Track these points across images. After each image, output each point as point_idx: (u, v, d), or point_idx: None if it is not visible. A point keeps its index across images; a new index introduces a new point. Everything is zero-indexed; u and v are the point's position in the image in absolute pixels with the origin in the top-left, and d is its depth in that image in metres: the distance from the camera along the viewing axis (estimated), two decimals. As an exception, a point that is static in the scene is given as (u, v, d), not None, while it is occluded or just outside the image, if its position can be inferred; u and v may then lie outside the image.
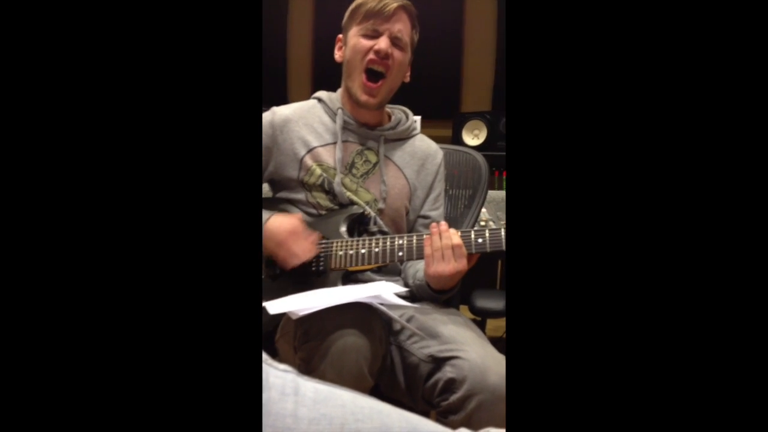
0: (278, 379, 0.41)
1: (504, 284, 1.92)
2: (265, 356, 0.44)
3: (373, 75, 0.98)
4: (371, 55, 0.97)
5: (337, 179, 0.99)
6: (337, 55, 1.05)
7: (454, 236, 0.86)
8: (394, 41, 0.98)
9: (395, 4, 0.98)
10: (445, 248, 0.86)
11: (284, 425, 0.38)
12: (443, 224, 0.88)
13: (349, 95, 1.02)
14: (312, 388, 0.41)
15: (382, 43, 0.97)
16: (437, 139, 1.17)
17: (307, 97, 1.11)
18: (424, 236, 0.89)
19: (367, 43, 0.98)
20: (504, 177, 2.04)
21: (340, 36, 1.05)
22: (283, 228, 0.92)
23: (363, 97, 0.99)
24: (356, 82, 0.99)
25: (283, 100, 1.25)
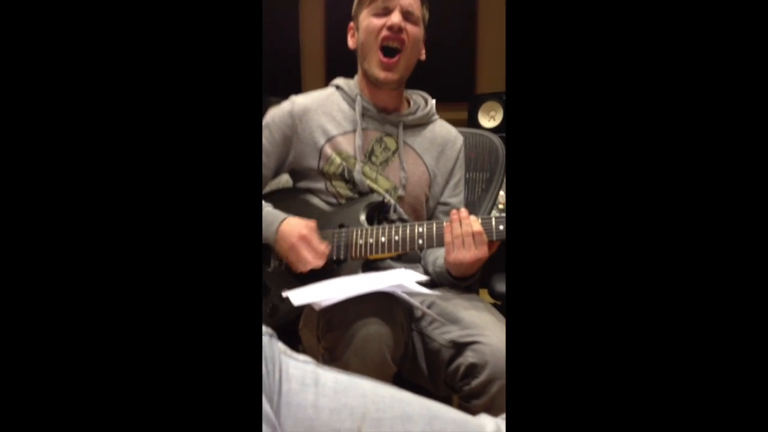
0: (297, 370, 0.41)
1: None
2: (283, 347, 0.44)
3: (389, 51, 0.98)
4: (385, 32, 0.97)
5: (358, 167, 1.00)
6: (351, 42, 1.05)
7: (475, 223, 0.86)
8: (406, 15, 0.98)
9: None
10: (465, 235, 0.86)
11: (305, 416, 0.38)
12: (463, 211, 0.88)
13: (367, 78, 1.02)
14: (332, 378, 0.41)
15: (395, 17, 0.97)
16: (453, 122, 1.16)
17: (322, 86, 1.11)
18: (444, 223, 0.89)
19: (379, 21, 0.98)
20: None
21: (352, 24, 1.05)
22: (295, 233, 0.93)
23: (381, 75, 0.99)
24: (373, 61, 0.99)
25: (297, 89, 1.25)
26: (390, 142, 1.04)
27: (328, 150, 1.01)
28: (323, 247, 0.94)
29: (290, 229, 0.94)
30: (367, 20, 0.99)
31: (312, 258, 0.92)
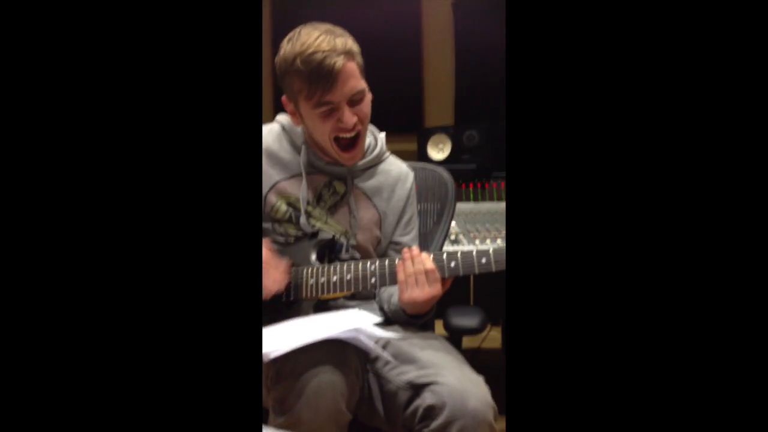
0: None
1: (476, 300, 1.92)
2: None
3: (346, 142, 0.93)
4: (338, 133, 0.91)
5: (303, 220, 0.96)
6: (295, 121, 0.97)
7: (427, 261, 0.85)
8: (353, 100, 0.90)
9: (340, 61, 0.85)
10: (418, 274, 0.84)
11: None
12: (415, 249, 0.87)
13: (319, 147, 0.97)
14: None
15: (347, 117, 0.89)
16: (402, 155, 1.15)
17: (269, 114, 1.07)
18: (397, 262, 0.88)
19: (326, 123, 0.90)
20: (472, 189, 2.05)
21: (285, 99, 0.95)
22: None
23: (346, 162, 0.96)
24: (330, 150, 0.94)
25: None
26: (339, 187, 1.00)
27: (272, 198, 0.97)
28: (283, 266, 0.90)
29: None
30: (312, 117, 0.91)
31: (271, 283, 0.88)
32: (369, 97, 0.95)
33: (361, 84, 0.92)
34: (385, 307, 0.99)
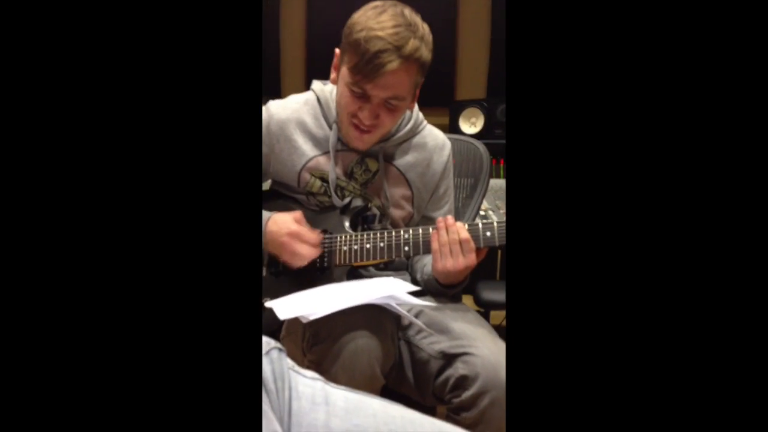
0: (307, 387, 0.40)
1: (503, 275, 1.90)
2: (290, 363, 0.42)
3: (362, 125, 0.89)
4: (354, 119, 0.89)
5: (334, 198, 0.95)
6: (332, 75, 0.93)
7: (462, 230, 0.84)
8: (386, 104, 0.86)
9: (396, 63, 0.79)
10: (452, 243, 0.83)
11: None
12: (450, 218, 0.85)
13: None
14: (342, 396, 0.40)
15: (366, 115, 0.85)
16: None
17: (301, 89, 1.04)
18: (431, 231, 0.87)
19: (352, 102, 0.86)
20: (502, 165, 2.02)
21: (338, 51, 0.91)
22: (284, 230, 0.89)
23: (354, 143, 0.93)
24: (345, 124, 0.91)
25: (277, 93, 1.19)
26: (371, 164, 0.98)
27: (306, 175, 0.96)
28: (315, 237, 0.90)
29: (278, 228, 0.89)
30: (343, 86, 0.87)
31: (307, 251, 0.88)
32: (406, 107, 0.91)
33: (404, 92, 0.86)
34: (418, 276, 0.99)
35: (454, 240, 0.83)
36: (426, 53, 0.84)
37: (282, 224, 0.89)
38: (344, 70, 0.87)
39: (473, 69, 2.77)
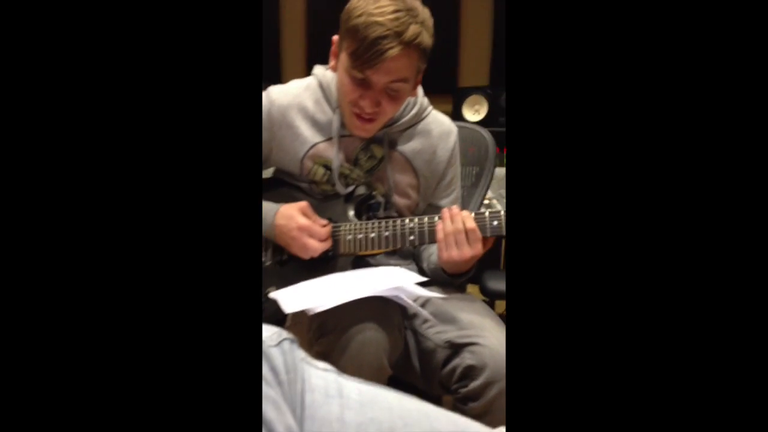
0: (320, 380, 0.39)
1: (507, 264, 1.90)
2: (302, 354, 0.41)
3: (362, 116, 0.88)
4: (355, 108, 0.86)
5: (338, 186, 0.94)
6: (332, 64, 0.91)
7: (468, 220, 0.81)
8: (388, 90, 0.84)
9: (396, 50, 0.77)
10: (457, 233, 0.81)
11: (331, 430, 0.36)
12: (455, 208, 0.84)
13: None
14: (355, 389, 0.39)
15: (367, 103, 0.83)
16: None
17: (302, 75, 1.01)
18: (436, 220, 0.85)
19: (353, 89, 0.84)
20: (506, 154, 2.00)
21: (335, 39, 0.88)
22: (293, 224, 0.88)
23: (355, 131, 0.91)
24: (346, 112, 0.89)
25: (276, 79, 1.17)
26: (376, 150, 0.96)
27: (308, 163, 0.94)
28: (325, 231, 0.89)
29: (286, 222, 0.88)
30: (342, 73, 0.85)
31: (317, 245, 0.87)
32: (408, 93, 0.89)
33: (406, 79, 0.84)
34: (425, 265, 0.97)
35: (459, 230, 0.81)
36: (427, 38, 0.82)
37: (290, 218, 0.88)
38: (343, 56, 0.84)
39: (477, 55, 2.74)
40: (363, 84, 0.83)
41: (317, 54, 1.08)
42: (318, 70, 0.99)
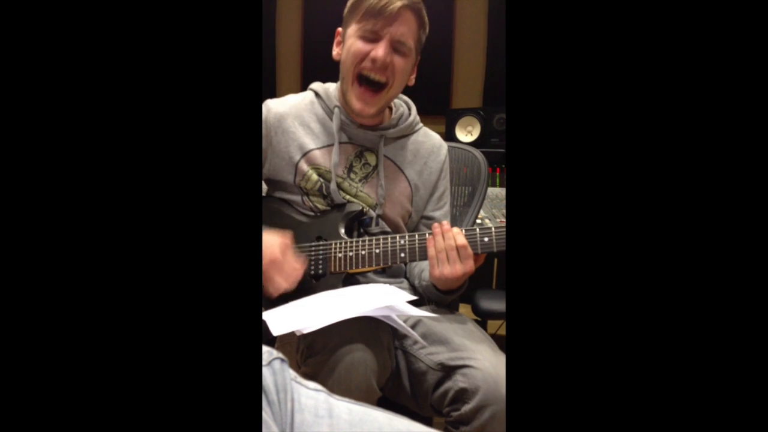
0: (310, 399, 0.38)
1: (499, 283, 1.88)
2: (293, 374, 0.41)
3: (369, 83, 0.90)
4: (366, 63, 0.88)
5: (333, 186, 0.93)
6: (335, 51, 0.96)
7: (459, 236, 0.81)
8: (396, 46, 0.89)
9: (399, 3, 0.87)
10: (449, 249, 0.80)
11: None
12: (445, 224, 0.83)
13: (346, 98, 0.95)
14: (345, 409, 0.38)
15: (380, 50, 0.87)
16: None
17: (297, 91, 1.04)
18: (427, 236, 0.84)
19: (364, 47, 0.88)
20: (498, 174, 2.00)
21: (340, 29, 0.96)
22: (267, 255, 0.82)
23: (357, 105, 0.91)
24: (350, 87, 0.91)
25: (272, 94, 1.19)
26: (370, 158, 0.97)
27: (303, 166, 0.94)
28: (297, 268, 0.85)
29: (263, 251, 0.83)
30: (353, 39, 0.90)
31: (283, 284, 0.82)
32: (413, 59, 0.93)
33: (411, 39, 0.90)
34: (416, 282, 0.96)
35: (450, 246, 0.81)
36: (423, 9, 0.91)
37: (268, 248, 0.83)
38: (352, 26, 0.90)
39: (469, 78, 2.77)
40: (373, 39, 0.88)
41: (313, 77, 1.10)
42: (314, 85, 1.02)
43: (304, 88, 1.04)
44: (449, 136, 2.18)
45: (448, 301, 0.93)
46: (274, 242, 0.85)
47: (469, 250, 0.81)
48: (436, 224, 0.83)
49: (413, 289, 0.98)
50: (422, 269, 0.95)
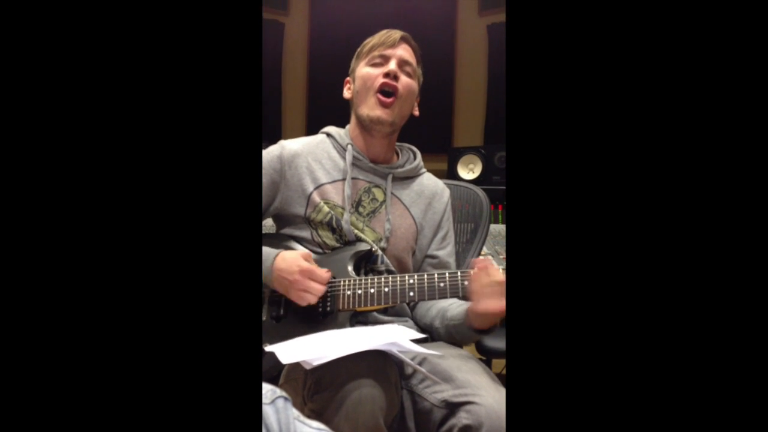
0: None
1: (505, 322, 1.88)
2: (296, 413, 0.41)
3: (384, 94, 1.01)
4: (382, 79, 1.00)
5: (346, 217, 0.97)
6: (346, 92, 1.08)
7: (501, 273, 0.82)
8: (402, 66, 1.02)
9: (398, 35, 1.03)
10: (494, 285, 0.82)
11: None
12: (488, 259, 0.85)
13: (361, 126, 1.03)
14: None
15: (392, 64, 1.00)
16: (433, 173, 1.17)
17: (303, 133, 1.11)
18: (436, 277, 0.87)
19: (376, 70, 1.01)
20: (500, 211, 2.04)
21: (349, 78, 1.08)
22: (294, 267, 0.89)
23: (377, 112, 1.00)
24: (370, 102, 1.01)
25: (278, 137, 1.25)
26: (378, 193, 1.02)
27: (316, 198, 0.99)
28: (325, 275, 0.90)
29: (287, 265, 0.89)
30: (364, 70, 1.03)
31: (319, 287, 0.88)
32: (417, 81, 1.05)
33: (410, 59, 1.04)
34: (437, 323, 0.96)
35: (495, 281, 0.82)
36: (414, 43, 1.06)
37: (292, 261, 0.89)
38: (360, 64, 1.05)
39: (471, 116, 2.83)
40: (382, 63, 1.02)
41: (318, 120, 1.18)
42: (326, 128, 1.10)
43: (309, 130, 1.11)
44: (451, 173, 2.22)
45: (476, 339, 0.94)
46: (294, 255, 0.90)
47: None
48: (478, 259, 0.85)
49: (421, 330, 0.99)
50: (443, 309, 0.96)
